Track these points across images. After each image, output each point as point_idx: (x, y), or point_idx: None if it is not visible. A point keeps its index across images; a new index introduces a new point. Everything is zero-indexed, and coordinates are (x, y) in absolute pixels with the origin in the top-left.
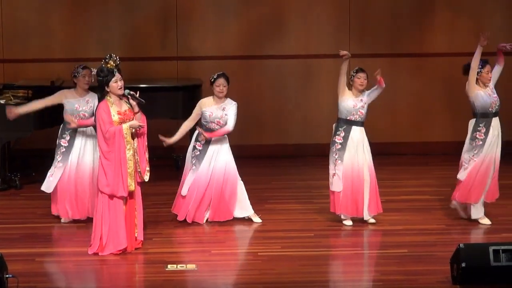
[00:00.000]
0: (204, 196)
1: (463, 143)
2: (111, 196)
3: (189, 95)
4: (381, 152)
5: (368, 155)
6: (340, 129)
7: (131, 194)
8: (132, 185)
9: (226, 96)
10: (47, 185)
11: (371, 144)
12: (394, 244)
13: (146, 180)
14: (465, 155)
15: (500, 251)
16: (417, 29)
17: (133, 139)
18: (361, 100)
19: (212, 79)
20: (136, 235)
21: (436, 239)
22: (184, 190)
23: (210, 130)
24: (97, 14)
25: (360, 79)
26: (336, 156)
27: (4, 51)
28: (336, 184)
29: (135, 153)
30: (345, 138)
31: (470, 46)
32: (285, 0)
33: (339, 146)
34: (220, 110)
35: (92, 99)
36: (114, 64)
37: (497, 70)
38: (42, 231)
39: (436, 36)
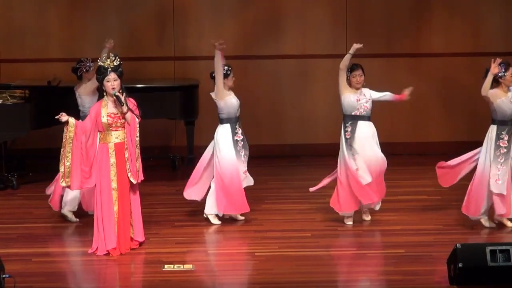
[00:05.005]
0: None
1: (459, 143)
2: (101, 196)
3: (186, 95)
4: None
5: (378, 150)
6: (347, 125)
7: (122, 194)
8: (67, 181)
9: None
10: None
11: None
12: (391, 244)
13: (134, 182)
14: (492, 168)
15: (497, 251)
16: (414, 29)
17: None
18: (364, 95)
19: (229, 71)
20: (132, 235)
21: (433, 239)
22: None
23: (232, 119)
24: (94, 14)
25: (356, 77)
26: (352, 152)
27: (0, 51)
28: (365, 176)
29: (77, 151)
30: (353, 132)
31: (467, 46)
32: (282, 0)
33: (352, 141)
34: (234, 98)
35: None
36: (111, 64)
37: None
38: (39, 231)
39: (432, 36)
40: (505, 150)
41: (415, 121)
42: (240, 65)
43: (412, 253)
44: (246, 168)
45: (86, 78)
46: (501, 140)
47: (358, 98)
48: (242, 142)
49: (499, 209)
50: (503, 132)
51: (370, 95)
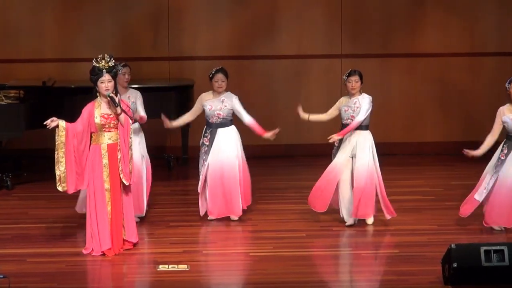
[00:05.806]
0: (212, 190)
1: (455, 143)
2: (95, 197)
3: (181, 96)
4: None
5: (362, 157)
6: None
7: (115, 195)
8: (63, 186)
9: (226, 90)
10: None
11: None
12: (385, 244)
13: (126, 184)
14: (486, 177)
15: (491, 251)
16: (410, 29)
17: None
18: (355, 103)
19: (211, 75)
20: (124, 236)
21: (428, 239)
22: (199, 187)
23: (213, 125)
24: (89, 14)
25: (351, 83)
26: (332, 156)
27: None
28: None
29: (70, 154)
30: (340, 141)
31: (463, 46)
32: (277, 0)
33: (335, 147)
34: (219, 102)
35: (133, 95)
36: (106, 65)
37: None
38: (33, 231)
39: (428, 36)
40: (499, 163)
41: (411, 121)
42: (235, 65)
43: (406, 253)
44: (201, 173)
45: (118, 82)
46: (501, 153)
47: (347, 108)
48: (206, 148)
49: (465, 209)
50: (505, 146)
51: (359, 104)
